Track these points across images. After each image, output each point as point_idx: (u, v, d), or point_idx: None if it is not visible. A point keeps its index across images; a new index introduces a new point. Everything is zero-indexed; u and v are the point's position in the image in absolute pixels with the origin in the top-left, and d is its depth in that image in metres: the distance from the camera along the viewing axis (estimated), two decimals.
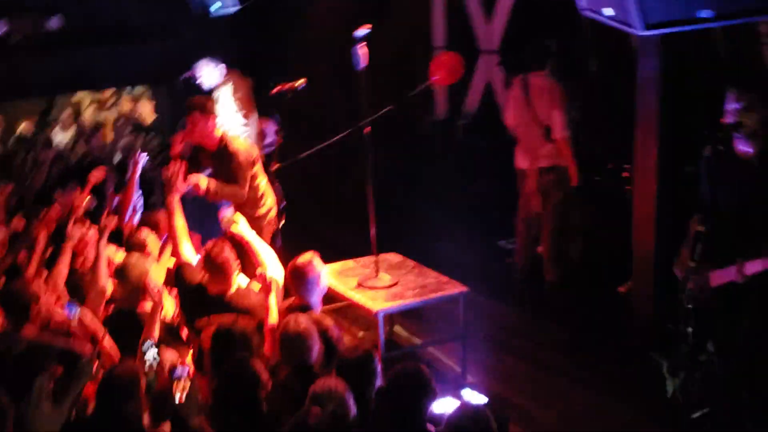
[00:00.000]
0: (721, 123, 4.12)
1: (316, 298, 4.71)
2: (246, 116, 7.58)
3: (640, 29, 3.72)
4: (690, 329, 4.00)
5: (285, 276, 4.79)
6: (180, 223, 5.07)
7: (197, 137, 5.91)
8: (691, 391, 4.04)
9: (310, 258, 4.73)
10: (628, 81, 5.79)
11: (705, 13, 3.60)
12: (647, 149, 5.51)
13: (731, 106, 4.12)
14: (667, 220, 5.52)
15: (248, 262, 5.26)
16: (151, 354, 4.07)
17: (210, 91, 7.72)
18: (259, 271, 4.74)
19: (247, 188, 5.82)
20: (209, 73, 7.81)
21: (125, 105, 10.23)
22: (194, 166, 5.84)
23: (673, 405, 4.14)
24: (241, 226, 5.17)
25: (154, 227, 5.65)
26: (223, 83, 7.72)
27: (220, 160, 5.89)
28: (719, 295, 4.12)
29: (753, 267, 3.95)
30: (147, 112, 8.97)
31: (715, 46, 5.83)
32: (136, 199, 6.12)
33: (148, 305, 4.57)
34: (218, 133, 5.91)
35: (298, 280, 4.68)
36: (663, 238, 5.53)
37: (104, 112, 10.18)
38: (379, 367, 3.90)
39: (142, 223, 5.91)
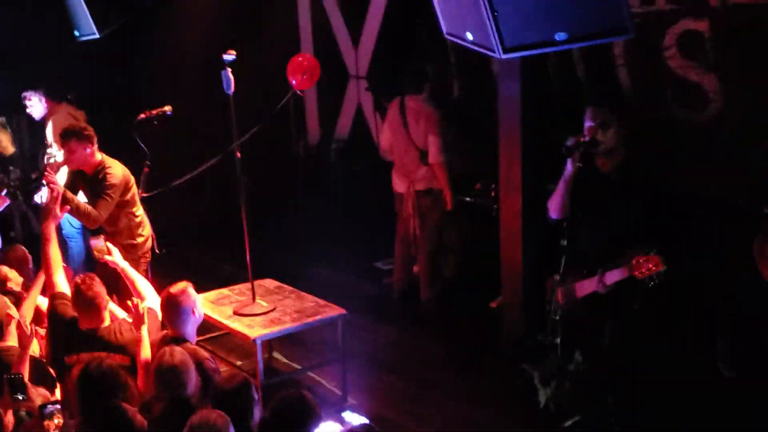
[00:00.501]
0: (579, 141, 4.30)
1: (191, 329, 4.61)
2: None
3: (499, 53, 3.86)
4: (558, 340, 4.16)
5: (160, 305, 4.68)
6: (55, 251, 4.91)
7: (76, 164, 5.83)
8: (562, 400, 4.19)
9: (183, 287, 4.63)
10: (490, 103, 6.00)
11: (560, 36, 3.76)
12: (511, 168, 5.71)
13: (588, 123, 4.32)
14: (532, 235, 5.73)
15: (122, 294, 5.12)
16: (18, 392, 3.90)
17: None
18: (133, 302, 4.60)
19: (106, 213, 5.65)
20: (35, 104, 7.72)
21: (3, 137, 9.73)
22: (72, 191, 5.71)
23: (546, 414, 4.28)
24: (115, 256, 5.04)
25: (16, 263, 5.42)
26: (50, 115, 7.65)
27: (94, 183, 5.75)
28: (586, 304, 4.29)
29: (612, 277, 4.14)
30: (6, 143, 8.57)
31: (574, 67, 6.12)
32: None
33: (11, 341, 4.36)
34: (98, 157, 5.79)
35: (171, 311, 4.56)
36: (529, 253, 5.73)
37: None
38: (257, 396, 3.86)
39: (3, 259, 5.66)
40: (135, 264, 5.39)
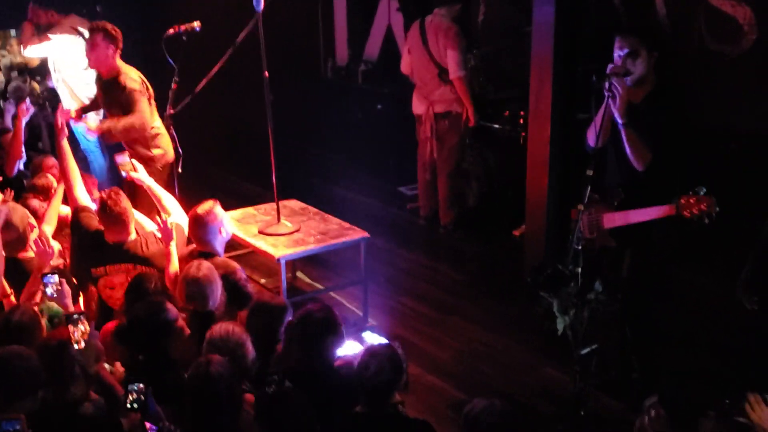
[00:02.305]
0: (609, 69, 4.22)
1: (219, 246, 4.68)
2: None
3: None
4: (579, 269, 4.16)
5: (188, 224, 4.74)
6: (72, 165, 4.95)
7: (94, 60, 5.79)
8: (580, 328, 4.22)
9: (211, 206, 4.68)
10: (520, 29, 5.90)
11: None
12: (541, 95, 5.64)
13: (618, 52, 4.24)
14: (558, 164, 5.70)
15: (147, 210, 5.19)
16: (52, 286, 4.01)
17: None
18: (162, 217, 4.67)
19: (146, 116, 5.65)
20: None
21: (12, 47, 9.76)
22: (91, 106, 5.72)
23: (563, 342, 4.33)
24: (140, 173, 5.09)
25: (47, 171, 5.53)
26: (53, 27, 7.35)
27: (111, 90, 5.74)
28: (613, 236, 4.29)
29: (650, 213, 4.11)
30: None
31: None
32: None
33: (30, 252, 4.46)
34: (117, 62, 5.77)
35: (199, 229, 4.63)
36: (555, 181, 5.71)
37: None
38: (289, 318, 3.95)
39: (33, 168, 5.76)
40: (154, 176, 5.39)
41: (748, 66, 5.35)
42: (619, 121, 4.13)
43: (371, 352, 3.47)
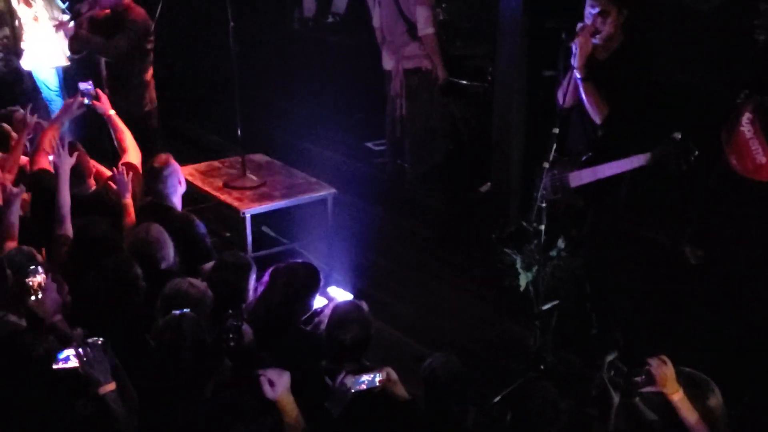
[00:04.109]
0: (579, 27, 4.22)
1: (176, 199, 4.64)
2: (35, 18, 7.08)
3: None
4: (542, 227, 4.20)
5: (143, 177, 4.69)
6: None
7: (106, 2, 5.80)
8: (542, 284, 4.28)
9: (166, 158, 4.64)
10: None
11: None
12: (509, 52, 5.63)
13: (589, 10, 4.23)
14: (525, 122, 5.71)
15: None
16: None
17: None
18: (118, 169, 4.60)
19: (125, 45, 5.67)
20: None
21: None
22: None
23: (526, 297, 4.38)
24: (103, 102, 5.10)
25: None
26: None
27: (116, 19, 5.73)
28: (580, 194, 4.33)
29: (606, 170, 4.15)
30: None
31: None
32: None
33: None
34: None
35: (157, 182, 4.58)
36: (521, 140, 5.73)
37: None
38: (254, 277, 3.95)
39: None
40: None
41: (716, 22, 5.36)
42: (578, 75, 4.15)
43: (340, 311, 3.49)
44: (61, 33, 6.46)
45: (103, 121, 5.23)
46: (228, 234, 6.08)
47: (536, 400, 3.08)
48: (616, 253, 4.56)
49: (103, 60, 6.09)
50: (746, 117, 3.92)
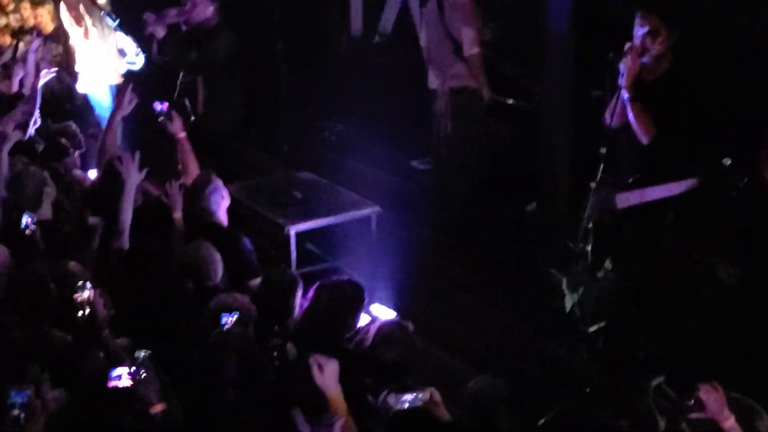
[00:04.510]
0: (627, 47, 4.19)
1: (221, 215, 4.69)
2: (86, 34, 7.13)
3: None
4: (589, 247, 4.16)
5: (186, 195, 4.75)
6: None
7: (196, 16, 6.02)
8: (588, 306, 4.23)
9: (207, 175, 4.71)
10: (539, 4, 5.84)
11: None
12: (556, 71, 5.60)
13: (638, 30, 4.20)
14: (573, 142, 5.67)
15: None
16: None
17: None
18: (171, 183, 4.67)
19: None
20: None
21: (25, 11, 9.68)
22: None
23: (572, 319, 4.33)
24: (176, 124, 5.23)
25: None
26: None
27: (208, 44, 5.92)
28: (626, 216, 4.28)
29: (654, 193, 4.11)
30: (47, 18, 8.52)
31: None
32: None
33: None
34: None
35: (201, 200, 4.63)
36: (568, 159, 5.68)
37: (2, 18, 9.64)
38: (300, 293, 3.96)
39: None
40: None
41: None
42: (625, 95, 4.11)
43: (385, 329, 3.49)
44: (112, 50, 6.60)
45: (169, 143, 5.32)
46: (273, 251, 6.12)
47: (596, 421, 3.05)
48: (663, 276, 4.49)
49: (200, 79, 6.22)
50: None
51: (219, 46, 5.96)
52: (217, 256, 4.12)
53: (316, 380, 2.96)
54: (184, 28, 6.23)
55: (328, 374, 2.98)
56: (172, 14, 6.04)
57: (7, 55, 6.92)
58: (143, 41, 6.49)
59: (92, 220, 4.48)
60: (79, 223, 4.76)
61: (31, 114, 5.99)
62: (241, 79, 6.35)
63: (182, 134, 5.19)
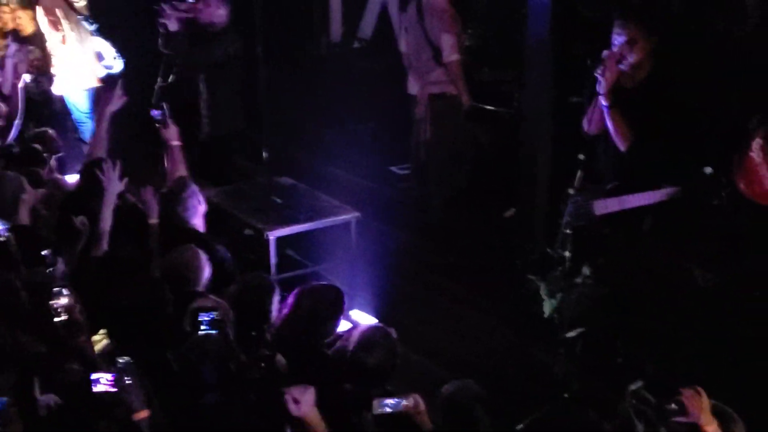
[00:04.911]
0: (605, 54, 4.22)
1: (197, 220, 4.67)
2: (63, 39, 7.09)
3: None
4: (567, 253, 4.19)
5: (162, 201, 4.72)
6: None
7: (206, 16, 6.08)
8: (567, 312, 4.26)
9: (183, 180, 4.69)
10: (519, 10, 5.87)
11: None
12: (535, 77, 5.62)
13: (616, 38, 4.23)
14: (551, 148, 5.69)
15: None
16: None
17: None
18: (147, 191, 4.65)
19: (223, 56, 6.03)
20: None
21: (3, 15, 9.60)
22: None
23: (550, 325, 4.36)
24: (171, 131, 5.20)
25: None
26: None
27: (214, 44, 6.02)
28: (605, 223, 4.31)
29: (633, 201, 4.14)
30: (26, 21, 8.44)
31: None
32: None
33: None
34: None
35: (176, 205, 4.61)
36: (547, 166, 5.71)
37: None
38: (277, 296, 3.95)
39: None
40: None
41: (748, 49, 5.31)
42: (603, 102, 4.14)
43: (366, 334, 3.48)
44: (89, 54, 6.56)
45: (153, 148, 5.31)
46: (252, 256, 6.10)
47: (578, 424, 3.06)
48: (641, 281, 4.53)
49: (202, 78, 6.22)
50: (756, 143, 3.91)
51: (224, 47, 6.04)
52: (203, 260, 4.10)
53: (293, 413, 2.96)
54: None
55: (304, 405, 2.98)
56: (182, 9, 6.06)
57: None
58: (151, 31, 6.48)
59: (79, 222, 4.42)
60: (58, 228, 4.73)
61: (13, 119, 5.96)
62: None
63: (176, 142, 5.16)
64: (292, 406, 2.96)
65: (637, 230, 4.32)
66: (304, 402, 2.97)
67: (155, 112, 5.21)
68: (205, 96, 6.14)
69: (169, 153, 5.18)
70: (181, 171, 5.06)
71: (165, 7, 6.21)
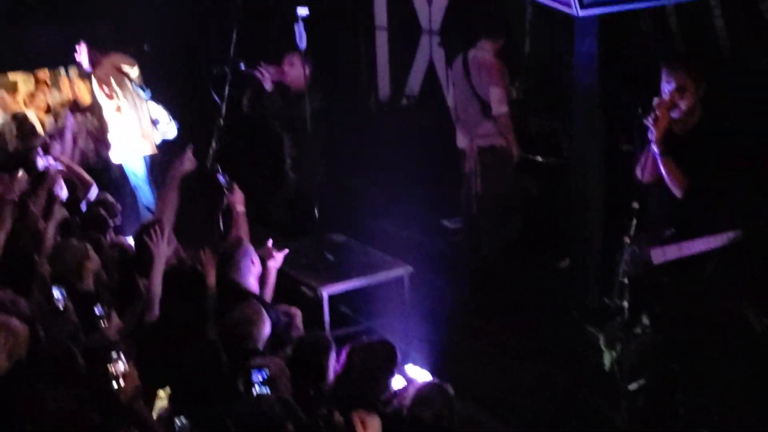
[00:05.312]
0: (655, 102, 4.20)
1: (251, 280, 4.71)
2: (119, 108, 7.30)
3: (576, 10, 3.79)
4: (625, 303, 4.12)
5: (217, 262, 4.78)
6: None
7: (292, 78, 6.36)
8: (627, 363, 4.17)
9: (237, 240, 4.74)
10: (566, 60, 5.89)
11: None
12: (585, 127, 5.61)
13: (665, 86, 4.21)
14: (603, 197, 5.65)
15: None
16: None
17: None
18: (205, 251, 4.72)
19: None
20: (82, 54, 7.39)
21: (63, 86, 9.99)
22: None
23: (611, 377, 4.27)
24: (236, 195, 5.28)
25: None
26: (95, 67, 7.33)
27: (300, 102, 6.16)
28: (663, 271, 4.24)
29: (693, 247, 4.07)
30: (84, 92, 8.75)
31: (665, 20, 5.89)
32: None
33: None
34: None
35: (227, 263, 4.66)
36: (600, 215, 5.66)
37: (40, 93, 9.92)
38: (334, 355, 3.95)
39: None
40: None
41: None
42: (656, 150, 4.11)
43: (423, 389, 3.46)
44: (145, 121, 6.77)
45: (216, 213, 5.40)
46: (307, 314, 6.12)
47: None
48: (702, 329, 4.42)
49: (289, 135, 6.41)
50: None
51: (311, 103, 6.19)
52: (264, 317, 4.13)
53: None
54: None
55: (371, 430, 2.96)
56: (271, 71, 6.28)
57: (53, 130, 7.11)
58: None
59: (142, 285, 4.50)
60: (118, 292, 4.82)
61: (76, 188, 6.13)
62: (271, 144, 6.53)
63: (241, 207, 5.25)
64: (359, 430, 2.94)
65: (697, 277, 4.23)
66: (370, 426, 2.95)
67: (221, 177, 5.30)
68: (293, 152, 6.31)
69: (234, 217, 5.26)
70: (243, 234, 5.11)
71: (262, 69, 6.44)
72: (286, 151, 6.65)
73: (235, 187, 5.32)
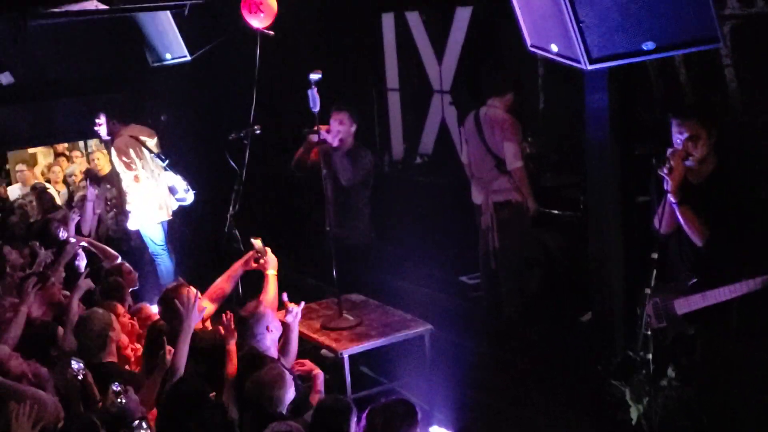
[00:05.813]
0: (669, 152, 4.21)
1: (268, 344, 4.69)
2: (137, 178, 7.41)
3: (585, 64, 3.83)
4: (650, 356, 4.06)
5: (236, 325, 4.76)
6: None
7: (344, 134, 6.41)
8: (655, 417, 4.10)
9: (253, 305, 4.74)
10: (578, 115, 5.92)
11: (648, 46, 3.71)
12: (600, 180, 5.61)
13: (677, 136, 4.23)
14: (622, 248, 5.61)
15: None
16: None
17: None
18: (227, 315, 4.71)
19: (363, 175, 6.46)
20: (102, 125, 7.53)
21: (81, 158, 10.17)
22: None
23: (639, 431, 4.19)
24: (270, 259, 5.31)
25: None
26: (114, 137, 7.47)
27: (350, 159, 6.35)
28: (688, 321, 4.19)
29: (717, 296, 4.03)
30: (103, 162, 8.88)
31: (674, 71, 5.94)
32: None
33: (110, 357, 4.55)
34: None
35: (243, 328, 4.65)
36: (620, 267, 5.61)
37: (58, 165, 10.09)
38: (355, 418, 3.91)
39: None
40: None
41: None
42: (672, 200, 4.10)
43: None
44: (162, 189, 6.84)
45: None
46: (327, 376, 6.07)
47: None
48: (731, 381, 4.34)
49: (329, 188, 6.42)
50: None
51: (367, 160, 6.42)
52: (288, 380, 4.10)
53: None
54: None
55: None
56: (326, 130, 6.40)
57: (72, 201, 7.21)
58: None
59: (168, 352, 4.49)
60: (144, 358, 4.82)
61: (97, 257, 6.19)
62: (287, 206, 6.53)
63: (273, 272, 5.28)
64: None
65: (723, 326, 4.17)
66: None
67: (255, 242, 5.30)
68: (354, 208, 6.45)
69: (265, 281, 5.26)
70: (271, 298, 5.09)
71: (324, 131, 6.43)
72: (351, 209, 6.61)
73: (268, 251, 5.32)
